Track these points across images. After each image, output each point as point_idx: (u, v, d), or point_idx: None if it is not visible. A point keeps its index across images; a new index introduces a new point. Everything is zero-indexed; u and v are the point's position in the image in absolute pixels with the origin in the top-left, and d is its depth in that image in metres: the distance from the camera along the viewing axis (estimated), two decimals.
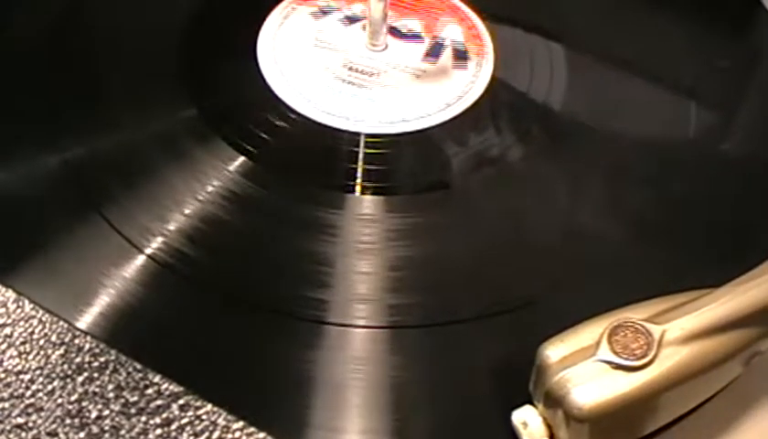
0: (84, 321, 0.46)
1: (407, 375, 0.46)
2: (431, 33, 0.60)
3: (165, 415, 0.40)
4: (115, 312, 0.47)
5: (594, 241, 0.51)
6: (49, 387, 0.40)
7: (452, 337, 0.47)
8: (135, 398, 0.40)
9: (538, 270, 0.50)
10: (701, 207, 0.52)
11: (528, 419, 0.43)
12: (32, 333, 0.41)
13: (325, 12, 0.60)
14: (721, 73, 0.59)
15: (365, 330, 0.47)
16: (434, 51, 0.59)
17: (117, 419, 0.39)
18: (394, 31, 0.60)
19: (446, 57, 0.59)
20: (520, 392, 0.43)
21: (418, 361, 0.46)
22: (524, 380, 0.43)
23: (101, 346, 0.41)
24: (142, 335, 0.46)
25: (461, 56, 0.59)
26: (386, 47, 0.59)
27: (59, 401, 0.40)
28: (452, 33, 0.60)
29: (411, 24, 0.61)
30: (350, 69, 0.58)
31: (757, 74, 0.60)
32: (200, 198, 0.51)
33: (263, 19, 0.60)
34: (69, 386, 0.40)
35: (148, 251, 0.49)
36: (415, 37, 0.60)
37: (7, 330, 0.41)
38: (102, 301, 0.47)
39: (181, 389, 0.40)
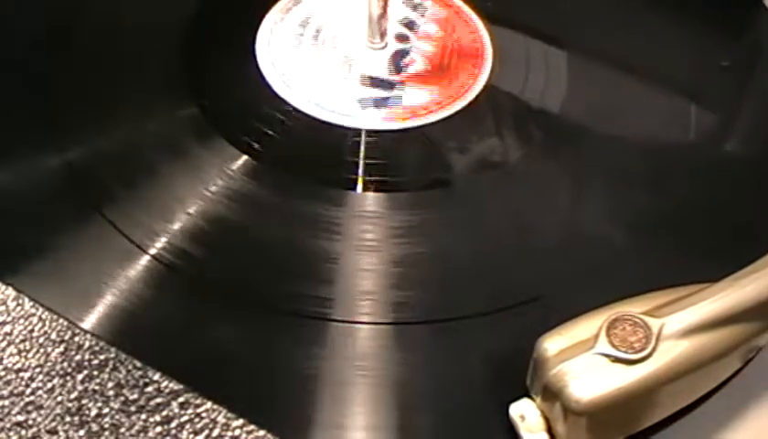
0: (88, 321, 0.46)
1: (410, 371, 0.46)
2: None
3: (164, 413, 0.40)
4: (119, 312, 0.47)
5: (595, 239, 0.51)
6: (49, 385, 0.40)
7: (455, 333, 0.47)
8: (135, 396, 0.40)
9: (539, 266, 0.50)
10: (701, 207, 0.52)
11: (525, 412, 0.43)
12: (32, 331, 0.41)
13: None
14: (721, 74, 0.59)
15: (368, 327, 0.47)
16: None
17: (117, 417, 0.39)
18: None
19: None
20: (522, 388, 0.43)
21: (421, 357, 0.46)
22: (525, 376, 0.43)
23: (101, 343, 0.41)
24: (144, 334, 0.46)
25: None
26: (385, 44, 0.59)
27: (59, 398, 0.40)
28: None
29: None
30: (350, 66, 0.58)
31: (757, 74, 0.60)
32: (202, 197, 0.51)
33: (263, 17, 0.60)
34: (69, 384, 0.40)
35: (150, 250, 0.49)
36: None
37: (7, 328, 0.41)
38: (105, 301, 0.47)
39: (181, 386, 0.40)
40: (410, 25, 0.60)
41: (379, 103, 0.56)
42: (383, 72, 0.58)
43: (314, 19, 0.61)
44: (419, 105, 0.56)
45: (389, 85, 0.57)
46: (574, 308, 0.43)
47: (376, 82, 0.58)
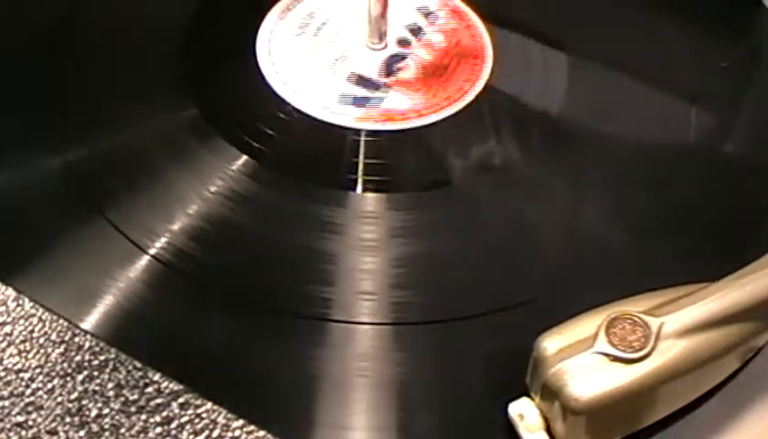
0: (88, 322, 0.46)
1: (411, 371, 0.46)
2: None
3: (164, 414, 0.40)
4: (118, 312, 0.47)
5: (594, 240, 0.51)
6: (49, 385, 0.40)
7: (455, 333, 0.47)
8: (135, 396, 0.40)
9: (539, 267, 0.50)
10: (700, 207, 0.52)
11: (524, 411, 0.43)
12: (32, 331, 0.41)
13: None
14: (722, 74, 0.59)
15: (368, 327, 0.47)
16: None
17: (117, 417, 0.40)
18: None
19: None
20: (521, 387, 0.43)
21: (421, 358, 0.46)
22: (524, 376, 0.43)
23: (101, 344, 0.41)
24: (144, 334, 0.46)
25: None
26: (385, 45, 0.59)
27: (59, 399, 0.40)
28: None
29: None
30: (350, 66, 0.58)
31: (757, 75, 0.60)
32: (202, 197, 0.51)
33: (263, 17, 0.60)
34: (69, 384, 0.40)
35: (151, 250, 0.49)
36: None
37: (7, 328, 0.41)
38: (105, 301, 0.47)
39: (181, 387, 0.40)
40: (415, 30, 0.60)
41: (359, 102, 0.56)
42: (373, 73, 0.58)
43: (314, 20, 0.61)
44: (397, 110, 0.56)
45: (374, 86, 0.57)
46: (573, 308, 0.43)
47: (362, 82, 0.58)
